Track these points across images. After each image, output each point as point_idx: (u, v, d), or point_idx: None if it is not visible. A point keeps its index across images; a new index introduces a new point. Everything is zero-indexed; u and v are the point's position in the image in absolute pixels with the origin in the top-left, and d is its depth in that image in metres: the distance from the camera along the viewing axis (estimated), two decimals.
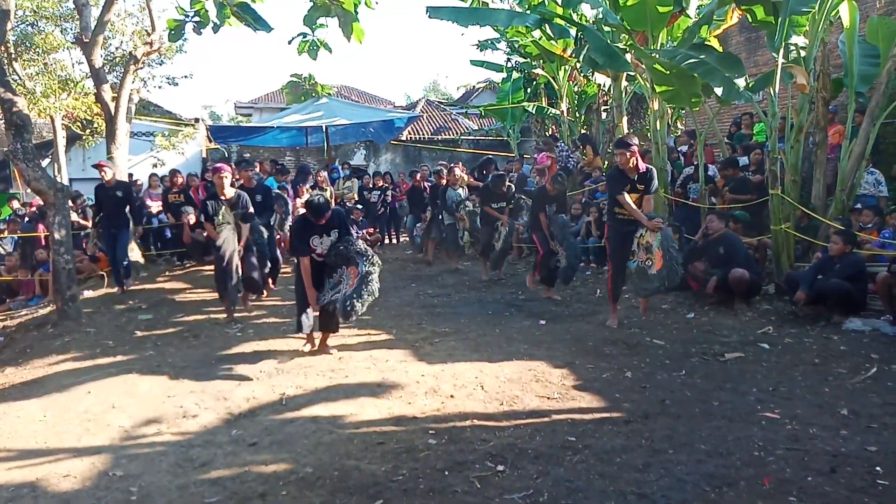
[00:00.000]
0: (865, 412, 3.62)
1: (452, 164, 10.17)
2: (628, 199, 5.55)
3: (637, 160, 5.58)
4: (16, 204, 11.20)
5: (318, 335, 5.40)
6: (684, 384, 4.23)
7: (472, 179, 10.31)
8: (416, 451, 3.34)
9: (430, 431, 3.59)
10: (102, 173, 7.92)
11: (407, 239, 12.38)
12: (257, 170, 8.74)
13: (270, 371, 4.81)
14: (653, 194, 5.72)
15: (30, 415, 4.21)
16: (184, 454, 3.47)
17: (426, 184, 11.24)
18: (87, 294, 7.93)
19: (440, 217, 9.65)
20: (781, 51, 6.43)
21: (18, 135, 6.88)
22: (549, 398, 4.05)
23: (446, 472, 3.09)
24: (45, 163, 10.35)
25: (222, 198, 6.29)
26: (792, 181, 6.66)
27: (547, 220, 7.15)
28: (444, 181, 9.59)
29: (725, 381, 4.24)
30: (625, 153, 5.53)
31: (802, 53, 6.67)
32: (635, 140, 5.75)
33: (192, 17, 9.57)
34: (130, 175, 10.61)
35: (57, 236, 6.84)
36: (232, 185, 6.61)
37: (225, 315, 6.57)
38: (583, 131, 12.35)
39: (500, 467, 3.11)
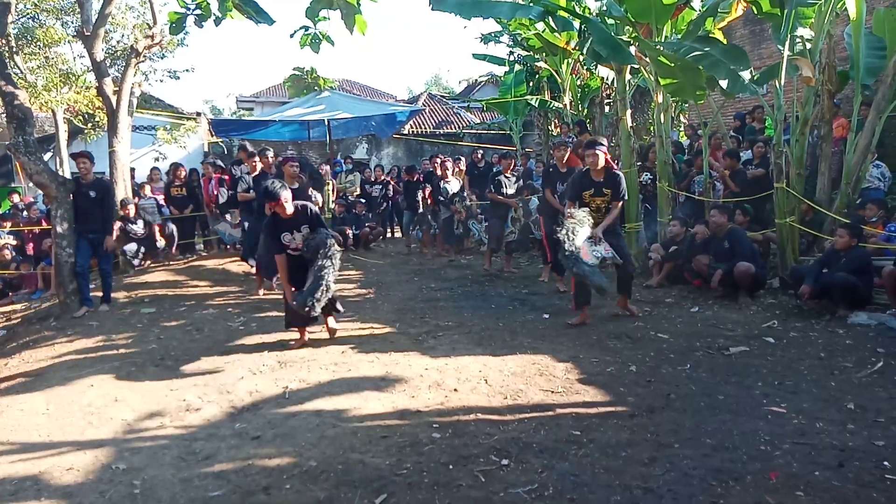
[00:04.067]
0: (872, 406, 3.60)
1: (444, 158, 10.19)
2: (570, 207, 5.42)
3: (606, 162, 5.42)
4: (16, 198, 11.21)
5: (312, 329, 5.45)
6: (689, 378, 4.21)
7: (463, 174, 10.38)
8: (420, 444, 3.33)
9: (434, 425, 3.57)
10: (80, 166, 6.89)
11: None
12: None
13: (273, 364, 4.80)
14: (622, 200, 5.49)
15: (33, 408, 4.20)
16: (187, 447, 3.46)
17: (420, 176, 11.20)
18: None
19: (437, 209, 9.69)
20: (787, 43, 6.38)
21: (20, 128, 6.86)
22: (553, 392, 4.03)
23: (450, 466, 3.07)
24: (46, 157, 10.31)
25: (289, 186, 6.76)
26: (797, 174, 6.63)
27: (555, 197, 6.88)
28: (438, 171, 9.64)
29: (731, 375, 4.22)
30: (596, 154, 5.36)
31: (808, 46, 6.63)
32: (604, 141, 5.65)
33: (194, 10, 9.52)
34: (133, 169, 10.56)
35: (59, 230, 6.83)
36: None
37: (258, 287, 7.29)
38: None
39: (505, 461, 3.10)
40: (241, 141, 9.22)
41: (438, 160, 10.00)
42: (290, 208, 4.98)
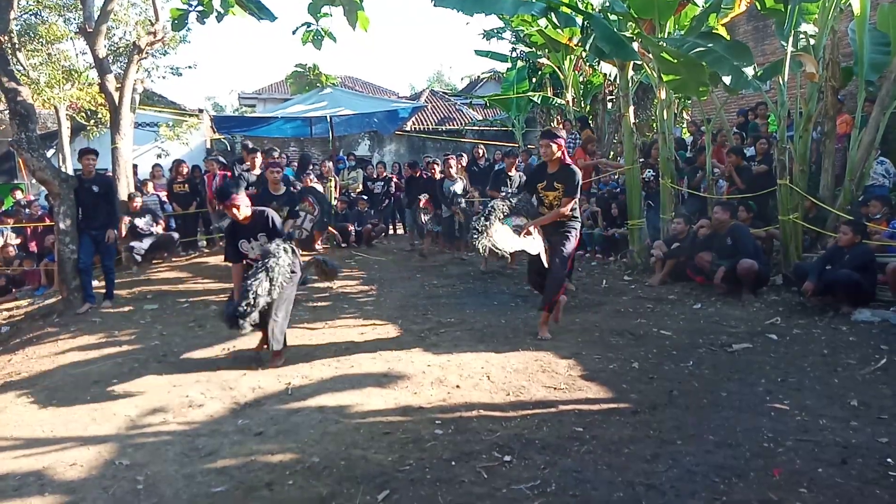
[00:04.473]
0: (876, 403, 3.59)
1: (447, 156, 10.15)
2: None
3: (562, 155, 5.11)
4: (18, 194, 11.23)
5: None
6: (692, 375, 4.21)
7: (464, 171, 10.34)
8: (423, 441, 3.33)
9: (437, 422, 3.57)
10: (88, 163, 6.88)
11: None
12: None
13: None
14: (573, 196, 5.04)
15: (36, 404, 4.21)
16: (190, 443, 3.46)
17: (423, 172, 11.16)
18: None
19: (438, 211, 9.67)
20: (790, 39, 6.36)
21: (23, 125, 6.87)
22: (555, 389, 4.03)
23: (453, 463, 3.08)
24: (49, 153, 10.34)
25: (273, 193, 6.67)
26: (800, 171, 6.61)
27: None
28: (436, 175, 9.59)
29: (733, 372, 4.22)
30: (549, 144, 5.05)
31: (812, 41, 6.60)
32: (562, 133, 5.43)
33: (196, 7, 9.51)
34: (135, 166, 10.55)
35: (62, 226, 6.83)
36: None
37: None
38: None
39: (507, 458, 3.09)
40: (244, 139, 9.23)
41: (438, 163, 9.94)
42: (243, 213, 4.56)
